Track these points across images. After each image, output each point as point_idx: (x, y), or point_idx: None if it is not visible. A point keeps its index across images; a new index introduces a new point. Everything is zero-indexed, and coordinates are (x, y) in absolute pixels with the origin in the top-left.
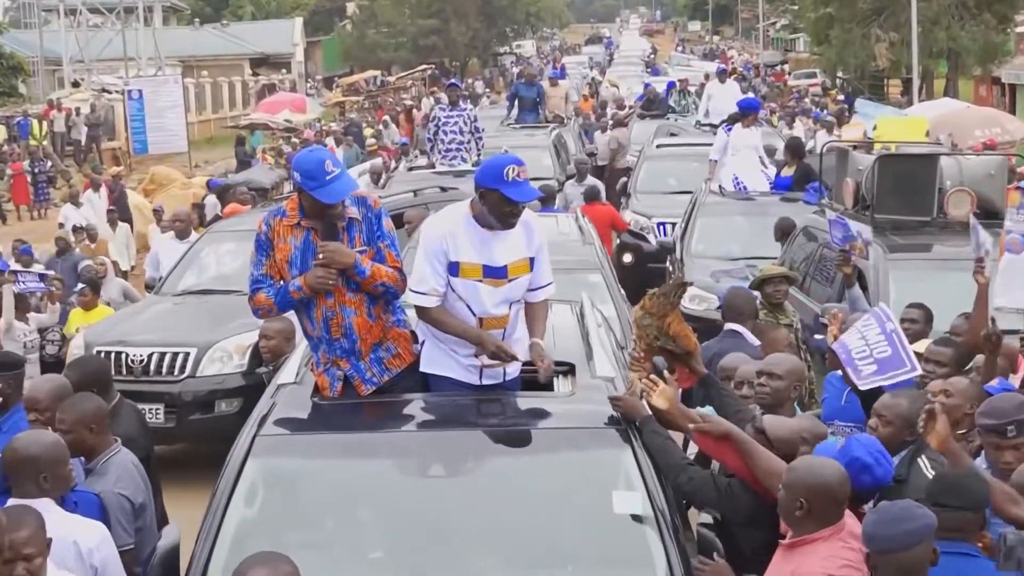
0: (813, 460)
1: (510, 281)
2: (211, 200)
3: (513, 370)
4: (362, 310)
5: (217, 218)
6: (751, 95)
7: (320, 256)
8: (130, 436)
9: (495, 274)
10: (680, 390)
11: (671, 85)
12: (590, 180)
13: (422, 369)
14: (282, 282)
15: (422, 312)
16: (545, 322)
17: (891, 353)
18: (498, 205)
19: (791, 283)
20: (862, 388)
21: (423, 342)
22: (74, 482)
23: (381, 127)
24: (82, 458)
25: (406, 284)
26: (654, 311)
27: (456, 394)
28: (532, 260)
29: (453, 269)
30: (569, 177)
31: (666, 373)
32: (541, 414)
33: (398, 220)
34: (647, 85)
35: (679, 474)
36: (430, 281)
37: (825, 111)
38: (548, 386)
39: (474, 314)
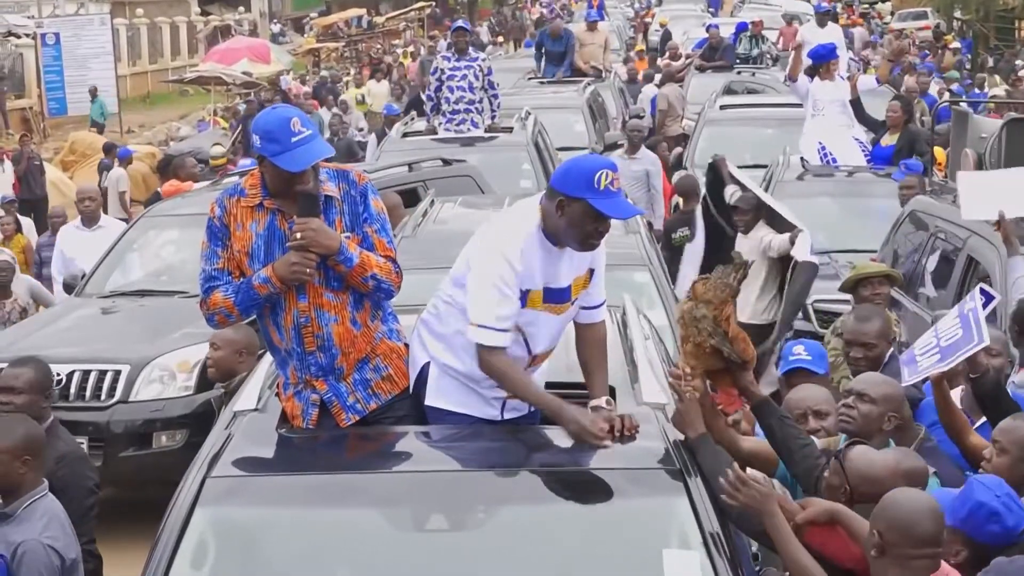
0: (902, 490)
1: (572, 303)
2: (116, 173)
3: None
4: (344, 316)
5: (157, 197)
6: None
7: (296, 236)
8: (81, 455)
9: (557, 298)
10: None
11: (742, 27)
12: (644, 153)
13: (428, 403)
14: (243, 278)
15: (489, 356)
16: (606, 362)
17: (961, 335)
18: (583, 221)
19: (894, 284)
20: (905, 383)
21: (425, 365)
22: None
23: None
24: None
25: (401, 279)
26: (710, 297)
27: (464, 426)
28: (592, 272)
29: (522, 298)
30: (609, 147)
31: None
32: (572, 452)
33: None
34: (711, 26)
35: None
36: (506, 312)
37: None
38: None
39: (529, 351)
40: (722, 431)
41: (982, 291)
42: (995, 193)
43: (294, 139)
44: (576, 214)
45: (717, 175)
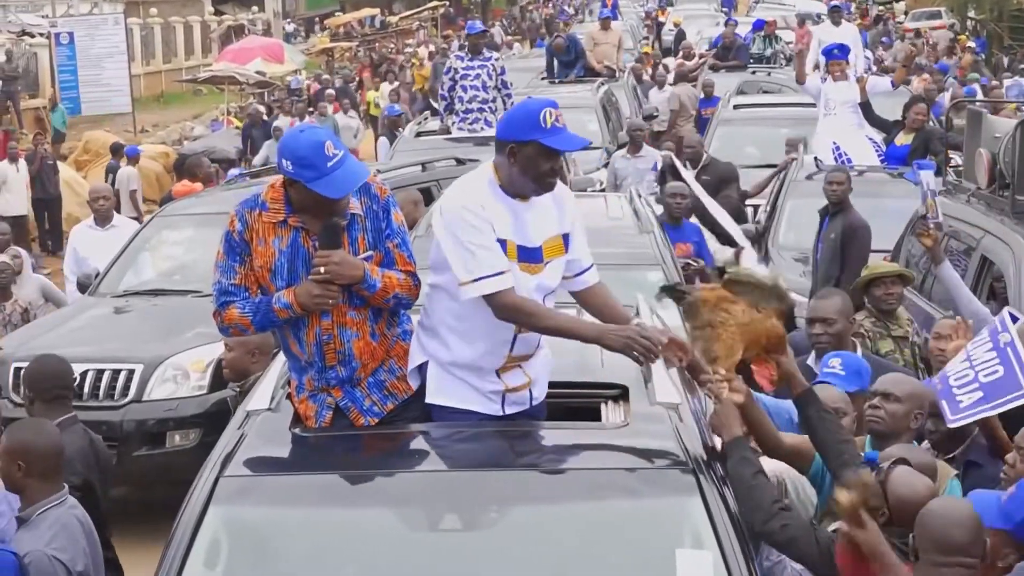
0: (940, 499)
1: (546, 265)
2: (126, 172)
3: (540, 392)
4: (364, 330)
5: (171, 196)
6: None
7: (321, 270)
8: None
9: (530, 257)
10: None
11: (759, 25)
12: (647, 150)
13: (428, 400)
14: (260, 295)
15: (499, 300)
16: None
17: (1003, 373)
18: (535, 161)
19: (906, 283)
20: (952, 424)
21: (424, 365)
22: None
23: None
24: (16, 498)
25: (419, 289)
26: (740, 283)
27: (476, 425)
28: (566, 237)
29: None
30: (620, 146)
31: None
32: (584, 451)
33: None
34: (729, 20)
35: (770, 519)
36: (495, 254)
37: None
38: (593, 415)
39: None
40: (764, 424)
41: (1011, 315)
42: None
43: (330, 164)
44: (529, 156)
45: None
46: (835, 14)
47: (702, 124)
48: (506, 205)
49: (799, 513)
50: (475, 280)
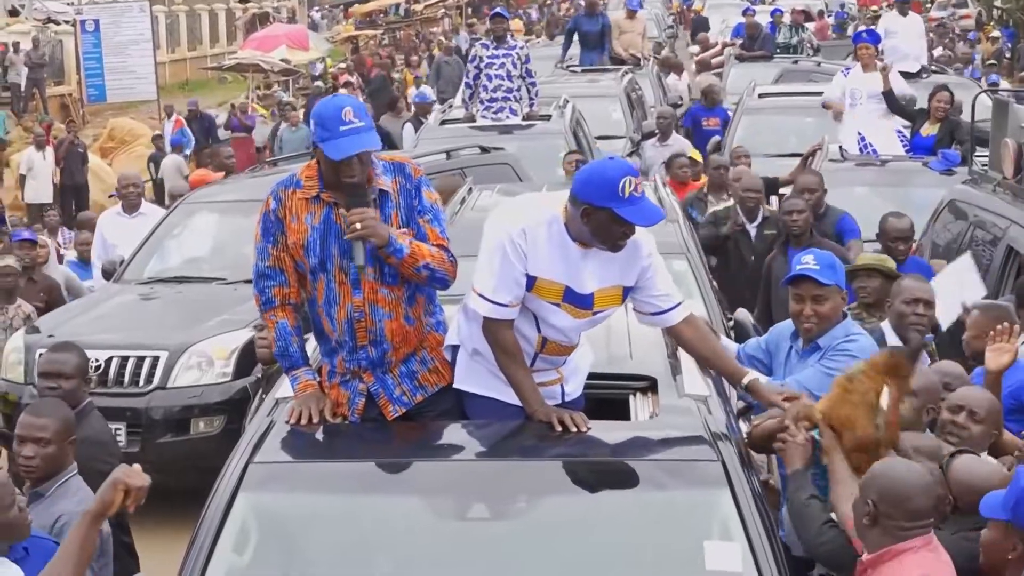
0: (895, 461)
1: (595, 314)
2: (172, 160)
3: (573, 388)
4: (398, 312)
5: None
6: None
7: (356, 226)
8: (101, 440)
9: (579, 302)
10: None
11: (776, 12)
12: (675, 139)
13: (456, 385)
14: (296, 268)
15: (488, 324)
16: (719, 346)
17: None
18: (608, 227)
19: (888, 279)
20: None
21: (455, 349)
22: (27, 527)
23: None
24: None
25: (456, 267)
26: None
27: (506, 416)
28: (627, 290)
29: (528, 282)
30: (646, 135)
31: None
32: (613, 443)
33: None
34: (747, 10)
35: (815, 536)
36: (509, 288)
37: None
38: (622, 407)
39: (539, 330)
40: None
41: None
42: (954, 290)
43: (343, 128)
44: (602, 222)
45: None
46: (903, 4)
47: (703, 137)
48: (561, 247)
49: (840, 533)
50: (480, 295)
